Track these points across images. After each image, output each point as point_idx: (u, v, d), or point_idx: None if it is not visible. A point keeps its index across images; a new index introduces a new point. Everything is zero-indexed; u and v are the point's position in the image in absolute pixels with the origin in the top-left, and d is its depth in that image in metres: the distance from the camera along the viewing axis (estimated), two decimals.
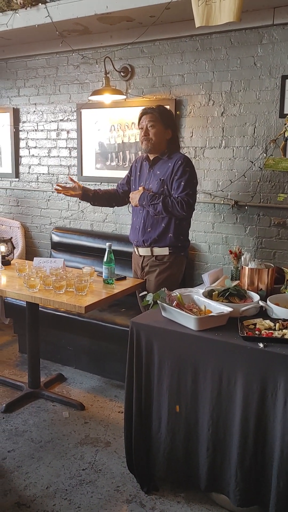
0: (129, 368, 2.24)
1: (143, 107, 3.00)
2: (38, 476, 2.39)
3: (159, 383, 2.17)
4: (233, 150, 3.39)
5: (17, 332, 3.86)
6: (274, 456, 1.93)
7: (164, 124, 2.88)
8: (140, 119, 2.94)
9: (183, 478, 2.23)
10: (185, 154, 3.05)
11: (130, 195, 3.00)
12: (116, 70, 3.70)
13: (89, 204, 3.99)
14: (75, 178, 4.18)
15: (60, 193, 3.21)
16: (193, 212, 2.92)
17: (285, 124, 3.08)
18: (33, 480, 2.36)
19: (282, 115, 3.15)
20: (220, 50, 3.33)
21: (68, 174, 3.91)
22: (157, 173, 2.92)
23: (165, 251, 2.93)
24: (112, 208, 3.99)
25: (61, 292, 2.69)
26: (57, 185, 3.19)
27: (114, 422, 2.88)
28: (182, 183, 2.81)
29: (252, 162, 3.31)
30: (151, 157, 2.97)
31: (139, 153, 3.64)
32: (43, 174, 4.41)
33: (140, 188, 2.93)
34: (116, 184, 3.33)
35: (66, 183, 3.24)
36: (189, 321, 2.10)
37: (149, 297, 2.26)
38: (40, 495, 2.26)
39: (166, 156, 2.92)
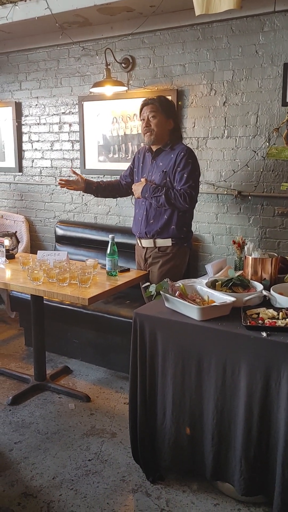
0: (133, 359, 2.25)
1: (144, 98, 2.98)
2: (45, 466, 2.41)
3: (163, 374, 2.18)
4: (236, 139, 3.37)
5: (23, 325, 3.88)
6: (278, 445, 1.93)
7: (165, 114, 2.87)
8: (141, 110, 2.93)
9: (188, 468, 2.24)
10: (188, 145, 3.04)
11: (132, 187, 3.00)
12: (117, 62, 3.68)
13: (92, 197, 3.99)
14: (78, 171, 4.18)
15: (64, 187, 3.21)
16: (196, 203, 2.91)
17: None
18: (40, 471, 2.38)
19: (284, 103, 3.12)
20: (221, 39, 3.30)
21: (71, 167, 3.91)
22: (159, 165, 2.91)
23: (168, 242, 2.92)
24: (115, 200, 4.00)
25: (64, 284, 2.69)
26: (60, 180, 3.19)
27: (119, 413, 2.90)
28: (185, 175, 2.80)
29: (255, 152, 3.29)
30: (154, 148, 2.95)
31: (142, 144, 3.63)
32: (46, 167, 4.41)
33: (143, 179, 2.92)
34: (119, 176, 3.32)
35: (69, 177, 3.24)
36: (192, 311, 2.10)
37: (152, 288, 2.27)
38: (46, 485, 2.28)
39: (168, 147, 2.90)
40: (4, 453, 2.52)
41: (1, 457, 2.49)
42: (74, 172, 3.20)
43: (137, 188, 2.91)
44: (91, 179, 3.38)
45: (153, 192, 2.81)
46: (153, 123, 2.86)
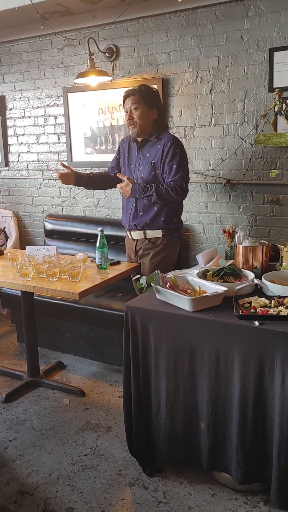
0: (125, 353, 2.23)
1: (126, 90, 2.91)
2: (40, 463, 2.40)
3: (156, 366, 2.16)
4: (223, 127, 3.33)
5: (15, 322, 3.85)
6: (274, 433, 1.92)
7: (147, 105, 2.80)
8: (124, 102, 2.86)
9: (184, 459, 2.23)
10: (174, 134, 3.00)
11: (119, 188, 2.89)
12: (100, 51, 3.62)
13: (81, 190, 3.96)
14: (65, 164, 4.12)
15: (61, 180, 3.11)
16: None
17: (275, 98, 3.02)
18: (36, 468, 2.36)
19: (271, 89, 3.09)
20: (205, 25, 3.25)
21: (60, 161, 3.81)
22: (146, 156, 2.86)
23: (158, 233, 2.89)
24: (104, 192, 3.97)
25: (54, 279, 2.66)
26: (59, 173, 3.10)
27: (114, 407, 2.88)
28: (174, 166, 2.75)
29: (243, 139, 3.26)
30: (139, 139, 2.90)
31: (126, 135, 3.58)
32: (33, 161, 4.35)
33: (125, 180, 2.82)
34: (107, 167, 3.27)
35: (62, 170, 3.14)
36: (183, 303, 2.08)
37: (143, 280, 2.24)
38: (42, 482, 2.26)
39: (154, 137, 2.86)
40: None
41: None
42: (64, 165, 3.14)
43: (125, 189, 2.83)
44: (80, 171, 3.32)
45: (143, 192, 2.76)
46: (135, 115, 2.80)
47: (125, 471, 2.32)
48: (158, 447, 2.23)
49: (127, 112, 2.84)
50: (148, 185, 2.77)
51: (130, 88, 2.90)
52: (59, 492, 2.19)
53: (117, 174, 2.95)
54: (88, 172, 3.33)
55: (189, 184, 2.87)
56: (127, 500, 2.13)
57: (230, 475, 2.09)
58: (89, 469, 2.34)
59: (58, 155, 4.18)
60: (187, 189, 2.82)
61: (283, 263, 2.48)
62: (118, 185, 2.92)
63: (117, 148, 3.15)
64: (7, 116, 4.40)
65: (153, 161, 2.81)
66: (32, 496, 2.18)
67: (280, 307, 2.03)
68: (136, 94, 2.79)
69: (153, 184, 2.76)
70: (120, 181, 2.95)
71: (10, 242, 4.37)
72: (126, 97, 2.84)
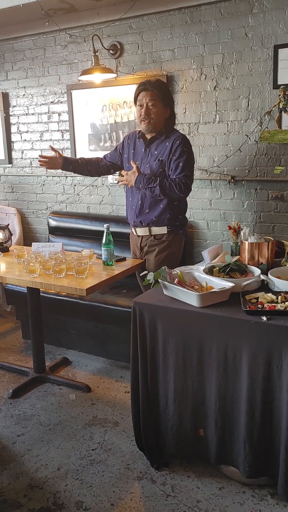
0: (133, 348, 2.24)
1: (142, 82, 2.85)
2: (49, 458, 2.42)
3: (164, 361, 2.18)
4: (228, 124, 3.35)
5: (20, 318, 3.87)
6: (281, 427, 1.94)
7: (164, 103, 2.80)
8: (137, 94, 2.82)
9: (192, 453, 2.25)
10: (183, 133, 3.00)
11: (124, 176, 2.88)
12: (105, 48, 3.63)
13: (85, 187, 3.98)
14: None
15: (43, 165, 3.11)
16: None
17: (279, 95, 3.04)
18: (44, 462, 2.39)
19: (276, 86, 3.10)
20: (210, 22, 3.26)
21: (50, 145, 3.70)
22: (154, 153, 2.86)
23: (163, 230, 2.91)
24: (108, 189, 3.99)
25: (61, 275, 2.68)
26: (41, 156, 3.08)
27: (121, 402, 2.91)
28: (180, 164, 2.76)
29: (248, 136, 3.27)
30: (148, 136, 2.90)
31: (131, 131, 3.59)
32: (37, 158, 4.34)
33: (134, 167, 2.81)
34: (103, 155, 3.24)
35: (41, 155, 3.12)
36: (191, 298, 2.10)
37: (150, 276, 2.26)
38: (51, 476, 2.29)
39: (163, 135, 2.86)
40: (7, 446, 2.52)
41: (4, 450, 2.49)
42: (53, 149, 3.12)
43: (130, 178, 2.83)
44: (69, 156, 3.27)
45: (147, 183, 2.76)
46: (153, 111, 2.77)
47: (133, 465, 2.34)
48: (167, 441, 2.25)
49: (142, 106, 2.79)
50: (153, 177, 2.77)
51: (145, 81, 2.82)
52: (68, 486, 2.22)
53: (131, 162, 2.87)
54: (79, 157, 3.29)
55: (193, 181, 2.89)
56: (136, 494, 2.15)
57: (238, 469, 2.12)
58: (97, 463, 2.37)
59: (62, 152, 4.18)
60: (191, 187, 2.82)
61: None
62: (123, 172, 2.89)
63: (120, 143, 3.13)
64: (10, 113, 4.40)
65: (161, 158, 2.81)
66: (42, 490, 2.20)
67: (287, 303, 2.04)
68: (155, 91, 2.75)
69: (158, 177, 2.76)
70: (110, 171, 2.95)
71: (14, 239, 4.38)
72: (143, 90, 2.78)
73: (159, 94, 2.77)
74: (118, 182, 3.03)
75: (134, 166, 2.82)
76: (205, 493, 2.14)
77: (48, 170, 4.27)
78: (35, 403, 2.93)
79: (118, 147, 3.13)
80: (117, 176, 3.07)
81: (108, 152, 3.25)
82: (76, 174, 4.07)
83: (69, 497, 2.15)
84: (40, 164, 3.12)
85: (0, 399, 2.98)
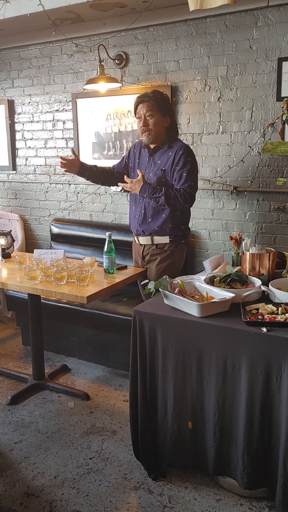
0: (133, 357, 2.24)
1: (138, 95, 2.93)
2: (46, 466, 2.41)
3: (163, 371, 2.17)
4: (231, 135, 3.37)
5: (20, 324, 3.87)
6: (280, 439, 1.94)
7: (162, 112, 2.83)
8: (136, 107, 2.87)
9: (190, 463, 2.25)
10: (185, 143, 3.02)
11: (128, 184, 2.87)
12: (110, 58, 3.66)
13: (87, 194, 4.00)
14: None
15: (63, 167, 3.07)
16: None
17: (283, 107, 3.05)
18: (41, 470, 2.37)
19: (279, 98, 3.12)
20: (215, 34, 3.29)
21: (71, 147, 3.69)
22: (157, 162, 2.88)
23: (165, 239, 2.92)
24: (111, 197, 4.00)
25: (62, 283, 2.68)
26: (62, 158, 3.05)
27: (119, 411, 2.90)
28: (184, 174, 2.77)
29: (250, 147, 3.29)
30: (151, 145, 2.92)
31: (136, 140, 3.62)
32: (40, 165, 4.39)
33: (140, 176, 2.82)
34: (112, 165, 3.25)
35: (68, 156, 3.08)
36: (191, 308, 2.10)
37: (151, 285, 2.26)
38: (48, 484, 2.27)
39: (166, 145, 2.87)
40: (4, 453, 2.51)
41: (1, 457, 2.48)
42: (73, 152, 3.10)
43: (135, 186, 2.83)
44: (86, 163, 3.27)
45: (152, 193, 2.77)
46: (150, 122, 2.81)
47: (130, 475, 2.33)
48: (165, 451, 2.24)
49: (140, 118, 2.84)
50: (158, 187, 2.78)
51: (143, 93, 2.89)
52: (65, 494, 2.20)
53: (137, 170, 2.88)
54: (94, 164, 3.28)
55: (197, 190, 2.90)
56: (133, 504, 2.14)
57: (236, 480, 2.10)
58: (94, 472, 2.36)
59: None
60: (195, 197, 2.84)
61: None
62: (128, 179, 2.87)
63: (127, 152, 3.16)
64: (15, 121, 4.44)
65: (163, 168, 2.83)
66: (38, 498, 2.19)
67: (287, 314, 2.04)
68: (151, 101, 2.79)
69: (163, 187, 2.77)
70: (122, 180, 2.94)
71: (16, 245, 4.39)
72: (139, 102, 2.84)
73: (155, 104, 2.79)
74: (122, 189, 3.03)
75: (140, 174, 2.83)
76: (202, 505, 2.13)
77: (52, 178, 4.31)
78: (34, 410, 2.92)
79: (124, 157, 3.17)
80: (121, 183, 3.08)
81: (116, 162, 3.26)
82: (79, 182, 4.11)
83: (65, 506, 2.13)
84: (61, 166, 3.07)
85: None
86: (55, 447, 2.56)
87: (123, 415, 2.83)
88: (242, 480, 2.04)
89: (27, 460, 2.45)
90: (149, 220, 2.89)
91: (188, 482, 2.27)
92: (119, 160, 3.23)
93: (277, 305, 2.14)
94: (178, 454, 2.21)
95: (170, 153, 2.83)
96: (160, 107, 2.82)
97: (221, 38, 3.28)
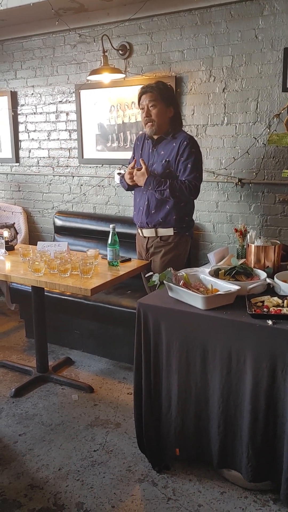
0: (137, 349, 2.23)
1: (142, 86, 2.90)
2: (50, 458, 2.41)
3: (168, 363, 2.16)
4: (236, 126, 3.33)
5: (24, 317, 3.86)
6: (285, 431, 1.93)
7: (165, 103, 2.80)
8: (139, 98, 2.85)
9: (194, 456, 2.24)
10: (190, 134, 2.99)
11: (134, 175, 2.82)
12: (114, 48, 3.63)
13: (91, 187, 3.99)
14: (75, 161, 4.15)
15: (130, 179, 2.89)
16: None
17: None
18: (45, 462, 2.38)
19: (285, 89, 3.08)
20: (220, 23, 3.25)
21: (141, 158, 3.32)
22: (161, 153, 2.86)
23: (169, 231, 2.90)
24: (114, 189, 3.98)
25: (66, 275, 2.67)
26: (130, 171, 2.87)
27: (123, 403, 2.89)
28: (189, 165, 2.75)
29: (256, 139, 3.26)
30: (155, 136, 2.89)
31: (140, 132, 3.59)
32: (44, 157, 4.36)
33: (144, 168, 2.78)
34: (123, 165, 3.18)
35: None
36: (196, 301, 2.09)
37: (155, 278, 2.24)
38: (52, 476, 2.28)
39: (170, 135, 2.85)
40: (9, 445, 2.52)
41: (6, 450, 2.48)
42: (143, 163, 2.83)
43: (139, 178, 2.80)
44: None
45: (157, 185, 2.75)
46: (153, 113, 2.79)
47: (135, 468, 2.33)
48: (169, 444, 2.24)
49: (143, 109, 2.82)
50: (162, 179, 2.76)
51: (146, 84, 2.87)
52: (69, 487, 2.21)
53: (140, 160, 2.82)
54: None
55: (202, 182, 2.87)
56: (137, 496, 2.14)
57: (240, 473, 2.10)
58: (98, 464, 2.36)
59: (69, 151, 4.19)
60: (200, 189, 2.82)
61: None
62: (131, 170, 2.81)
63: (132, 148, 3.13)
64: (18, 112, 4.41)
65: (167, 159, 2.81)
66: (42, 490, 2.19)
67: None
68: (154, 91, 2.77)
69: (167, 179, 2.75)
70: None
71: (19, 238, 4.38)
72: (143, 93, 2.82)
73: (158, 95, 2.77)
74: (121, 177, 2.96)
75: (144, 167, 2.79)
76: (207, 497, 2.13)
77: (55, 170, 4.29)
78: (37, 403, 2.92)
79: (132, 154, 3.12)
80: (120, 171, 2.97)
81: (118, 153, 3.19)
82: (82, 174, 4.10)
83: (69, 498, 2.13)
84: (129, 177, 2.89)
85: (3, 398, 2.98)
86: (59, 439, 2.56)
87: (127, 407, 2.82)
88: (246, 473, 2.04)
89: (31, 452, 2.46)
90: (153, 211, 2.87)
91: (192, 474, 2.27)
92: (130, 160, 3.14)
93: (282, 297, 2.12)
94: (181, 447, 2.20)
95: (174, 144, 2.80)
96: (163, 97, 2.79)
97: (226, 28, 3.23)
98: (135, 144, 3.08)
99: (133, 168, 2.86)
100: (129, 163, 3.11)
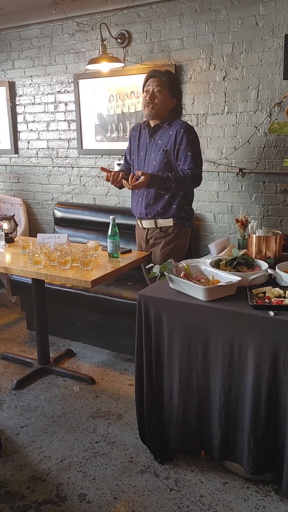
0: (138, 341, 2.22)
1: (151, 70, 2.85)
2: (52, 450, 2.41)
3: (169, 355, 2.16)
4: (236, 115, 3.29)
5: (25, 309, 3.86)
6: (286, 424, 1.92)
7: (170, 92, 2.77)
8: (146, 81, 2.79)
9: (196, 448, 2.24)
10: (185, 121, 2.95)
11: (132, 184, 2.66)
12: (112, 37, 3.58)
13: (90, 178, 3.96)
14: (75, 152, 4.11)
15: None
16: None
17: None
18: (47, 454, 2.38)
19: (286, 76, 3.04)
20: (220, 10, 3.20)
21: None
22: (158, 143, 2.83)
23: (169, 222, 2.87)
24: None
25: (66, 267, 2.66)
26: (103, 169, 2.88)
27: (125, 395, 2.89)
28: (190, 153, 2.72)
29: (256, 128, 3.22)
30: (152, 124, 2.85)
31: (136, 123, 3.55)
32: (43, 148, 4.33)
33: (141, 179, 2.62)
34: (123, 160, 3.13)
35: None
36: (197, 292, 2.07)
37: (156, 269, 2.23)
38: (55, 468, 2.28)
39: (166, 123, 2.82)
40: (11, 437, 2.52)
41: (8, 441, 2.48)
42: (143, 173, 2.69)
43: (141, 185, 2.65)
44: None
45: (163, 184, 2.68)
46: (158, 97, 2.74)
47: (137, 459, 2.33)
48: (170, 435, 2.24)
49: (148, 92, 2.76)
50: (165, 176, 2.70)
51: (155, 69, 2.84)
52: (71, 478, 2.21)
53: (136, 172, 2.69)
54: (120, 172, 2.95)
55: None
56: (139, 487, 2.14)
57: (241, 465, 2.10)
58: (100, 456, 2.36)
59: (68, 142, 4.15)
60: (202, 176, 2.80)
61: None
62: (128, 182, 2.69)
63: (128, 138, 3.09)
64: (16, 103, 4.37)
65: (165, 148, 2.77)
66: (45, 482, 2.20)
67: None
68: (163, 77, 2.74)
69: (169, 174, 2.71)
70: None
71: (19, 230, 4.36)
72: (151, 76, 2.77)
73: (166, 82, 2.75)
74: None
75: (142, 177, 2.63)
76: (209, 488, 2.13)
77: (54, 161, 4.26)
78: (39, 395, 2.92)
79: (128, 144, 3.07)
80: (119, 162, 2.93)
81: (116, 143, 3.16)
82: (82, 165, 4.07)
83: (72, 490, 2.14)
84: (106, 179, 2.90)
85: (4, 390, 2.98)
86: (61, 431, 2.57)
87: (128, 399, 2.82)
88: (247, 465, 2.04)
89: (33, 444, 2.46)
90: (152, 202, 2.84)
91: (194, 465, 2.27)
92: (126, 151, 3.09)
93: (284, 288, 2.11)
94: (183, 439, 2.20)
95: (170, 132, 2.77)
96: (171, 87, 2.76)
97: (226, 15, 3.18)
98: (131, 134, 3.03)
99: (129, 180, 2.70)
100: (125, 154, 3.08)
